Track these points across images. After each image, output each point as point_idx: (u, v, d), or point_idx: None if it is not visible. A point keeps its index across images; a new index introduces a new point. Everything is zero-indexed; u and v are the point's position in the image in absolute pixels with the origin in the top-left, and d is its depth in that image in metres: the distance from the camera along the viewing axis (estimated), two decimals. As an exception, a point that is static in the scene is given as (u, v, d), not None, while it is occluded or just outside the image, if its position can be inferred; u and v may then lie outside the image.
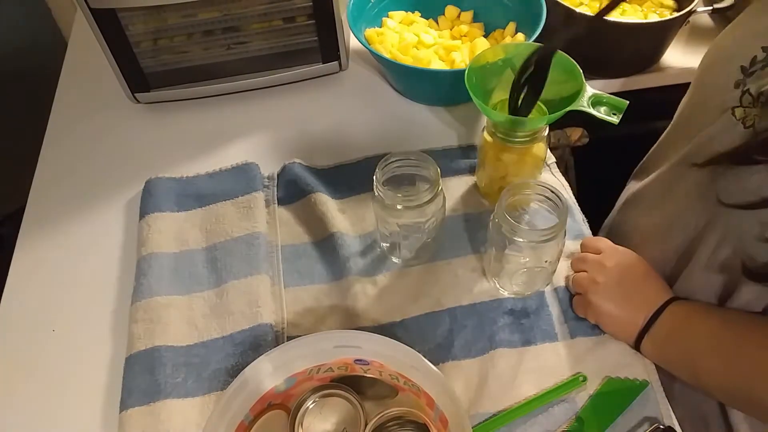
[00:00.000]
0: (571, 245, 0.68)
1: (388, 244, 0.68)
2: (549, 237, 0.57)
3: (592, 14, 0.91)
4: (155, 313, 0.64)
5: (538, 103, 0.63)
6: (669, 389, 0.60)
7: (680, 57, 0.99)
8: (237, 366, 0.60)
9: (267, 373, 0.52)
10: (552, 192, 0.58)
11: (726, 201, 0.54)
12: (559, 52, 0.61)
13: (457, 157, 0.78)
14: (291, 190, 0.75)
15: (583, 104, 0.59)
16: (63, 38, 1.37)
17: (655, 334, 0.58)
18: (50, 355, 0.64)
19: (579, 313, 0.63)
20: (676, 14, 0.89)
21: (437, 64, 0.82)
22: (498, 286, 0.66)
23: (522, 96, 0.61)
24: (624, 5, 0.95)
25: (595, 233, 0.71)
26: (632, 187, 0.76)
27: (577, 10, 0.88)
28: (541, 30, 0.79)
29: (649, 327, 0.58)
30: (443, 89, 0.85)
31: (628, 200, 0.74)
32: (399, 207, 0.61)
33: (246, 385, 0.51)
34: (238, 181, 0.75)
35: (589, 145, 0.94)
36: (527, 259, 0.61)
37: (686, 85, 0.73)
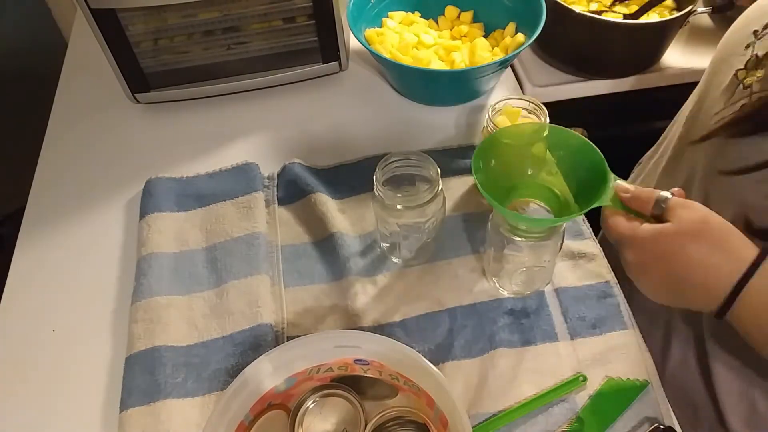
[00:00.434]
0: (571, 244, 0.68)
1: (388, 244, 0.68)
2: (548, 236, 0.57)
3: (590, 14, 0.91)
4: (155, 313, 0.64)
5: (555, 192, 0.57)
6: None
7: (680, 57, 0.99)
8: (237, 366, 0.60)
9: (267, 373, 0.52)
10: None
11: (724, 169, 0.54)
12: (580, 136, 0.55)
13: (457, 157, 0.77)
14: (291, 190, 0.75)
15: (609, 198, 0.51)
16: (63, 38, 1.37)
17: (750, 297, 0.46)
18: (50, 355, 0.64)
19: (632, 275, 0.51)
20: (676, 14, 0.89)
21: (437, 64, 0.82)
22: (498, 285, 0.66)
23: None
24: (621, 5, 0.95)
25: (595, 233, 0.71)
26: (639, 171, 0.77)
27: (577, 10, 0.89)
28: (540, 31, 0.79)
29: (746, 281, 0.46)
30: (443, 89, 0.85)
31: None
32: (399, 207, 0.61)
33: (246, 385, 0.51)
34: (238, 181, 0.75)
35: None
36: (527, 259, 0.61)
37: (686, 85, 0.73)
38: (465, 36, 0.89)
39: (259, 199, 0.73)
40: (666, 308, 0.69)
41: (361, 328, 0.63)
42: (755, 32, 0.56)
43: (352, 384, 0.57)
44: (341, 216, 0.72)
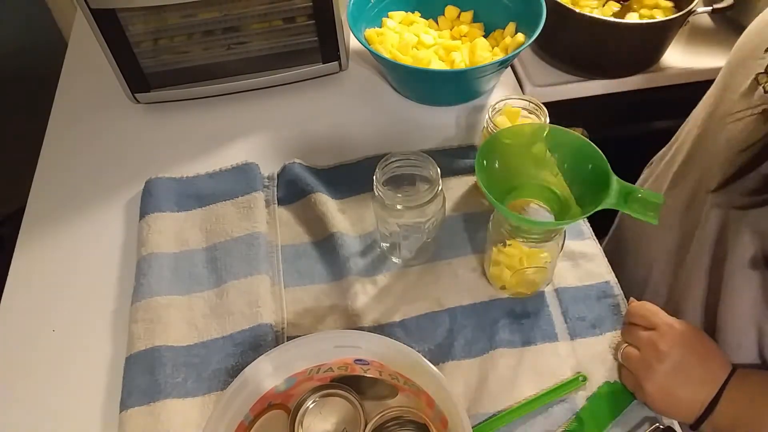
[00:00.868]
0: (571, 244, 0.68)
1: (388, 244, 0.68)
2: (549, 237, 0.57)
3: (590, 14, 0.91)
4: (155, 313, 0.64)
5: (556, 192, 0.58)
6: None
7: (680, 57, 0.99)
8: (237, 366, 0.60)
9: (267, 373, 0.52)
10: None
11: (741, 204, 0.54)
12: (581, 137, 0.55)
13: (457, 157, 0.78)
14: (291, 190, 0.75)
15: (613, 201, 0.51)
16: (63, 38, 1.37)
17: (718, 417, 0.53)
18: (50, 355, 0.64)
19: (629, 388, 0.58)
20: (676, 14, 0.89)
21: (437, 64, 0.82)
22: (497, 285, 0.66)
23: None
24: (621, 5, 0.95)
25: (595, 232, 0.71)
26: (650, 171, 0.77)
27: (577, 10, 0.89)
28: (540, 31, 0.79)
29: (712, 409, 0.53)
30: (443, 89, 0.85)
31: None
32: (399, 207, 0.61)
33: (246, 385, 0.51)
34: (238, 181, 0.75)
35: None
36: (527, 259, 0.60)
37: (686, 85, 0.73)
38: (465, 36, 0.89)
39: (259, 199, 0.73)
40: None
41: (361, 328, 0.63)
42: None
43: (352, 384, 0.57)
44: (341, 216, 0.72)
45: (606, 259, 0.68)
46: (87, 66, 0.94)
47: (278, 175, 0.77)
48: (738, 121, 0.56)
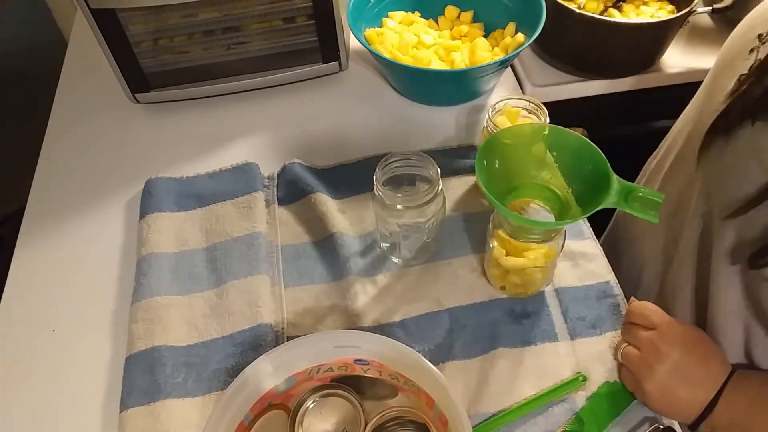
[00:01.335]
0: (571, 244, 0.68)
1: (388, 244, 0.68)
2: (549, 237, 0.57)
3: (590, 14, 0.91)
4: (155, 313, 0.64)
5: (556, 192, 0.58)
6: None
7: (680, 57, 0.99)
8: (237, 366, 0.60)
9: (267, 373, 0.52)
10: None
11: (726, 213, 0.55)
12: (581, 137, 0.55)
13: (457, 157, 0.78)
14: (291, 190, 0.75)
15: (613, 200, 0.51)
16: (63, 38, 1.37)
17: (717, 418, 0.53)
18: (50, 355, 0.64)
19: (629, 387, 0.58)
20: (676, 14, 0.89)
21: (437, 64, 0.82)
22: (497, 285, 0.66)
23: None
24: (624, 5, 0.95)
25: (596, 232, 0.71)
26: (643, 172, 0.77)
27: (576, 10, 0.89)
28: (540, 31, 0.79)
29: (710, 410, 0.53)
30: (443, 89, 0.85)
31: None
32: (399, 207, 0.61)
33: (246, 385, 0.51)
34: (238, 181, 0.75)
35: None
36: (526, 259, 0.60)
37: (686, 85, 0.73)
38: (465, 36, 0.89)
39: (259, 199, 0.73)
40: None
41: (361, 328, 0.63)
42: (760, 36, 0.56)
43: (352, 384, 0.57)
44: (341, 216, 0.72)
45: (606, 259, 0.68)
46: (87, 66, 0.94)
47: (278, 175, 0.77)
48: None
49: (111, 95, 0.88)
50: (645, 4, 0.96)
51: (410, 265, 0.68)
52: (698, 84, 0.69)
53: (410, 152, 0.62)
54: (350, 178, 0.76)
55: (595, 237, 0.71)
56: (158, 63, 0.81)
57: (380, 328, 0.63)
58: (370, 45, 0.81)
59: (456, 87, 0.85)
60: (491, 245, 0.62)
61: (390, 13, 0.89)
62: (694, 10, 0.88)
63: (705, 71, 0.93)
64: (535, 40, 0.78)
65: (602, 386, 0.59)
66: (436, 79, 0.82)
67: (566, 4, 0.90)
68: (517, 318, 0.64)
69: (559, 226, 0.57)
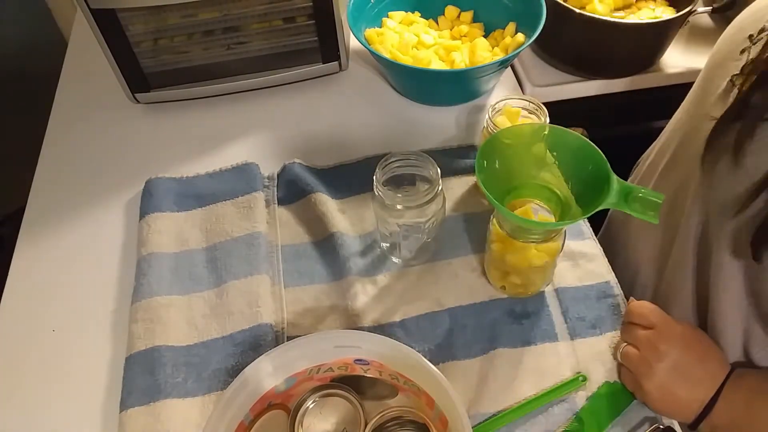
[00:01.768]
0: (571, 244, 0.68)
1: (388, 244, 0.68)
2: (549, 237, 0.57)
3: (590, 14, 0.91)
4: (155, 313, 0.64)
5: (556, 193, 0.58)
6: None
7: (680, 57, 0.99)
8: (237, 366, 0.60)
9: (267, 373, 0.52)
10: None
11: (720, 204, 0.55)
12: (581, 137, 0.55)
13: (457, 157, 0.78)
14: (291, 190, 0.75)
15: (613, 201, 0.51)
16: (63, 38, 1.37)
17: (716, 417, 0.53)
18: (50, 355, 0.64)
19: (628, 387, 0.58)
20: (676, 14, 0.89)
21: (437, 64, 0.82)
22: (497, 285, 0.66)
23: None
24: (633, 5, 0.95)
25: (596, 233, 0.71)
26: (637, 172, 0.77)
27: (576, 10, 0.89)
28: (540, 31, 0.79)
29: (710, 409, 0.53)
30: (443, 89, 0.85)
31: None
32: (399, 207, 0.61)
33: (246, 385, 0.51)
34: (238, 181, 0.75)
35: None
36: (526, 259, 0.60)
37: (686, 85, 0.73)
38: (465, 36, 0.89)
39: (259, 199, 0.73)
40: None
41: (361, 328, 0.63)
42: (750, 36, 0.56)
43: (352, 384, 0.57)
44: (341, 216, 0.72)
45: (606, 259, 0.68)
46: (87, 66, 0.94)
47: (278, 175, 0.77)
48: (712, 121, 0.57)
49: (111, 95, 0.88)
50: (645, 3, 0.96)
51: (410, 265, 0.68)
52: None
53: (410, 152, 0.62)
54: (350, 178, 0.76)
55: (594, 237, 0.71)
56: (158, 63, 0.81)
57: (380, 328, 0.63)
58: (370, 45, 0.81)
59: (456, 87, 0.85)
60: (491, 245, 0.62)
61: (390, 13, 0.89)
62: (694, 10, 0.88)
63: (705, 71, 0.93)
64: (535, 40, 0.78)
65: (602, 386, 0.59)
66: (436, 79, 0.82)
67: (566, 4, 0.90)
68: (517, 318, 0.64)
69: (559, 226, 0.57)
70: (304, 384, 0.55)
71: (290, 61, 0.85)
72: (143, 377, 0.60)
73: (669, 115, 0.76)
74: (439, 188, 0.61)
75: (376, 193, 0.61)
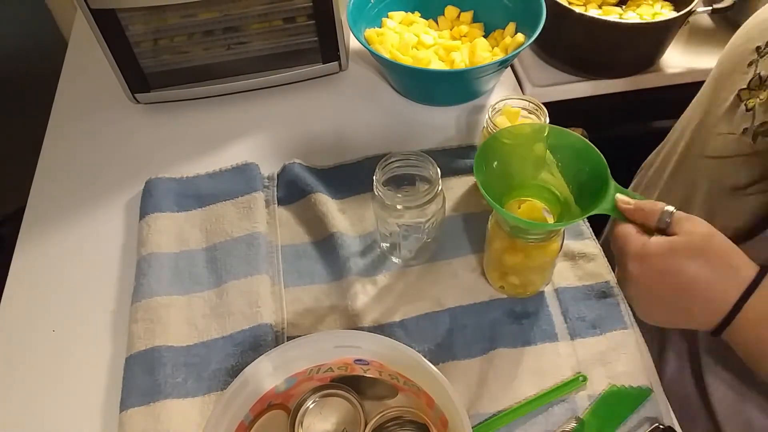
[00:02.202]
0: (571, 244, 0.68)
1: (388, 244, 0.68)
2: (548, 237, 0.57)
3: (590, 14, 0.91)
4: (155, 313, 0.64)
5: (555, 193, 0.57)
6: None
7: (680, 57, 0.99)
8: (237, 366, 0.60)
9: (267, 373, 0.52)
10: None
11: (735, 185, 0.54)
12: (581, 137, 0.54)
13: (457, 157, 0.78)
14: (291, 190, 0.75)
15: (608, 206, 0.51)
16: (63, 38, 1.37)
17: (754, 307, 0.47)
18: (50, 355, 0.64)
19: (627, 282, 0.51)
20: (676, 14, 0.89)
21: (437, 64, 0.82)
22: (497, 285, 0.66)
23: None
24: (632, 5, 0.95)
25: (595, 233, 0.71)
26: (641, 178, 0.77)
27: (576, 10, 0.89)
28: (540, 31, 0.79)
29: (746, 298, 0.47)
30: (443, 89, 0.85)
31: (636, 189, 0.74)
32: (399, 207, 0.61)
33: (246, 385, 0.51)
34: (238, 181, 0.75)
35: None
36: (526, 259, 0.60)
37: (686, 85, 0.73)
38: (465, 36, 0.89)
39: (259, 199, 0.73)
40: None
41: (361, 328, 0.63)
42: (758, 48, 0.55)
43: (352, 384, 0.57)
44: (341, 216, 0.72)
45: (606, 259, 0.68)
46: (87, 66, 0.94)
47: (278, 175, 0.77)
48: (720, 135, 0.56)
49: (111, 95, 0.88)
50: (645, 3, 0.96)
51: (410, 265, 0.68)
52: (699, 84, 0.69)
53: (410, 152, 0.62)
54: (350, 178, 0.76)
55: (594, 237, 0.71)
56: (158, 63, 0.81)
57: (380, 328, 0.63)
58: (370, 45, 0.81)
59: (456, 87, 0.85)
60: (490, 245, 0.62)
61: (390, 13, 0.89)
62: (694, 10, 0.88)
63: (705, 71, 0.93)
64: (535, 40, 0.78)
65: (606, 390, 0.58)
66: (436, 79, 0.82)
67: (566, 4, 0.90)
68: (517, 318, 0.64)
69: (558, 227, 0.57)
70: (304, 384, 0.55)
71: (290, 61, 0.85)
72: (143, 377, 0.60)
73: (669, 115, 0.76)
74: (439, 188, 0.61)
75: (376, 193, 0.61)
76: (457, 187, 0.75)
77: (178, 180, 0.76)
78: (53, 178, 0.81)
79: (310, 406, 0.56)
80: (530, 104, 0.67)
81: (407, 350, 0.50)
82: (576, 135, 0.55)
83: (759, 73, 0.54)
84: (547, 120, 0.65)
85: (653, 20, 0.91)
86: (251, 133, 0.84)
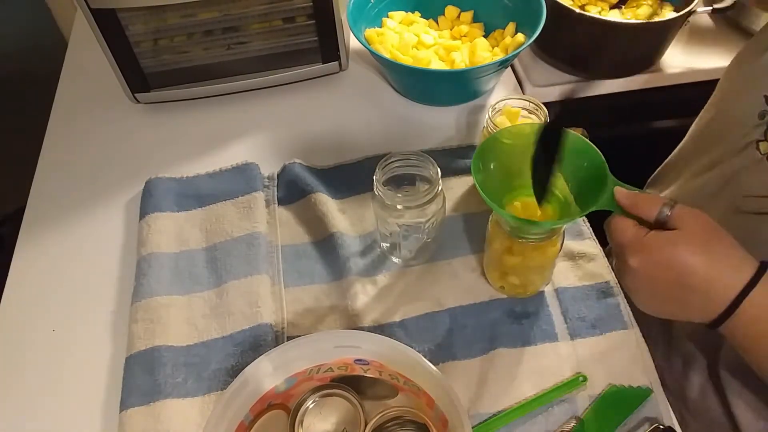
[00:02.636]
0: (571, 244, 0.68)
1: (388, 244, 0.68)
2: (548, 237, 0.57)
3: (590, 14, 0.91)
4: (155, 313, 0.64)
5: (555, 193, 0.57)
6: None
7: (680, 57, 0.99)
8: (237, 366, 0.60)
9: (267, 373, 0.52)
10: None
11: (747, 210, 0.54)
12: (581, 137, 0.53)
13: (457, 157, 0.78)
14: (291, 190, 0.75)
15: (606, 202, 0.50)
16: (63, 38, 1.37)
17: (753, 303, 0.46)
18: (50, 355, 0.64)
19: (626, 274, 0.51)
20: (676, 14, 0.89)
21: (437, 64, 0.82)
22: (497, 285, 0.66)
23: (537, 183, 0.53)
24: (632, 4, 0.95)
25: (595, 232, 0.71)
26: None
27: (576, 10, 0.89)
28: (540, 31, 0.79)
29: (746, 294, 0.47)
30: (443, 89, 0.85)
31: None
32: (399, 207, 0.61)
33: (246, 385, 0.51)
34: (238, 181, 0.75)
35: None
36: (526, 259, 0.60)
37: (686, 86, 0.73)
38: (465, 36, 0.89)
39: (259, 199, 0.73)
40: (673, 329, 0.68)
41: (361, 328, 0.63)
42: (767, 98, 0.54)
43: (352, 384, 0.57)
44: (341, 216, 0.72)
45: (606, 259, 0.68)
46: (87, 66, 0.94)
47: (278, 175, 0.77)
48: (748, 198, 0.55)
49: (111, 95, 0.88)
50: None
51: (410, 265, 0.68)
52: (699, 84, 0.69)
53: (410, 152, 0.62)
54: (350, 178, 0.76)
55: (594, 237, 0.71)
56: (158, 63, 0.81)
57: (380, 328, 0.63)
58: (370, 45, 0.81)
59: (456, 87, 0.85)
60: (490, 245, 0.62)
61: (390, 13, 0.89)
62: (694, 10, 0.88)
63: (705, 71, 0.93)
64: (535, 40, 0.78)
65: (606, 390, 0.58)
66: (436, 79, 0.82)
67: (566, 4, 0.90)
68: (517, 318, 0.64)
69: (556, 226, 0.57)
70: (304, 384, 0.55)
71: (290, 61, 0.85)
72: (143, 377, 0.60)
73: (669, 115, 0.76)
74: (439, 188, 0.61)
75: (376, 193, 0.61)
76: (457, 187, 0.75)
77: (178, 180, 0.76)
78: (53, 178, 0.81)
79: (310, 406, 0.56)
80: (530, 104, 0.67)
81: (407, 350, 0.50)
82: (575, 134, 0.55)
83: None
84: (548, 120, 0.65)
85: (653, 20, 0.90)
86: (251, 133, 0.84)
